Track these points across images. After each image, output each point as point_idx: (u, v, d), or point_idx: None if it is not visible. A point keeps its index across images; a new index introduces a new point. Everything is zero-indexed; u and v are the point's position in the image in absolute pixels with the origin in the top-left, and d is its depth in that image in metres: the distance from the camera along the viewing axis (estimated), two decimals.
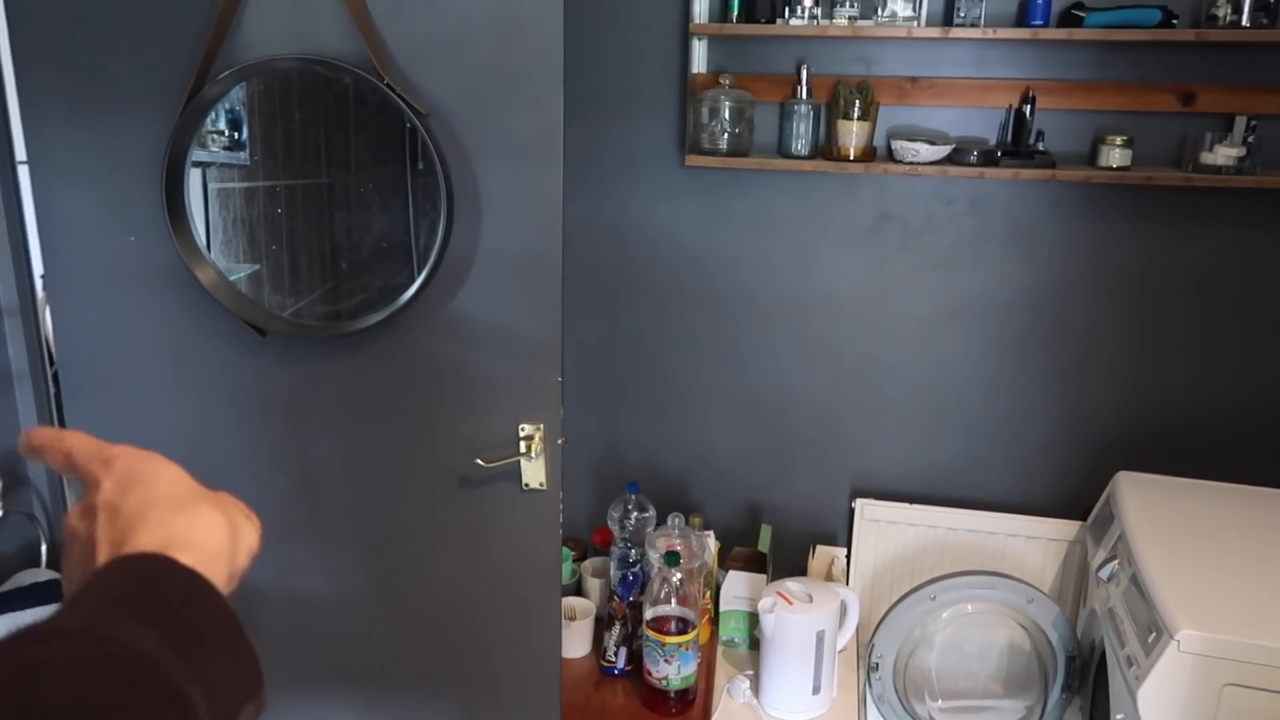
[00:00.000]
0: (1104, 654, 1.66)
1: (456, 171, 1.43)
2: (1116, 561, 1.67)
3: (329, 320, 1.54)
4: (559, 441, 1.55)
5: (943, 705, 1.93)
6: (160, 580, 0.41)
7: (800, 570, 2.15)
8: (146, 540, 0.44)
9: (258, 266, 1.64)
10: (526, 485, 1.56)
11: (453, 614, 1.66)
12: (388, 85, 1.36)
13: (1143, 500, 1.78)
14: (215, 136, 1.67)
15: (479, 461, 1.51)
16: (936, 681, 1.94)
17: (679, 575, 1.80)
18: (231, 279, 1.56)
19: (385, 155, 1.55)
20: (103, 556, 0.44)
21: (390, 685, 1.70)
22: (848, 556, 2.14)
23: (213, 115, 1.58)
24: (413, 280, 1.46)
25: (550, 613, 1.63)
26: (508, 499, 1.57)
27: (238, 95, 1.54)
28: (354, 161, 1.61)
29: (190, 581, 0.42)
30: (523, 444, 1.54)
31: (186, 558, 0.43)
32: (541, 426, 1.54)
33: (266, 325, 1.48)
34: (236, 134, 1.68)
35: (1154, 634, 1.41)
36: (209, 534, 0.46)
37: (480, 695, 1.69)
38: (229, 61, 1.41)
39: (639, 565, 1.98)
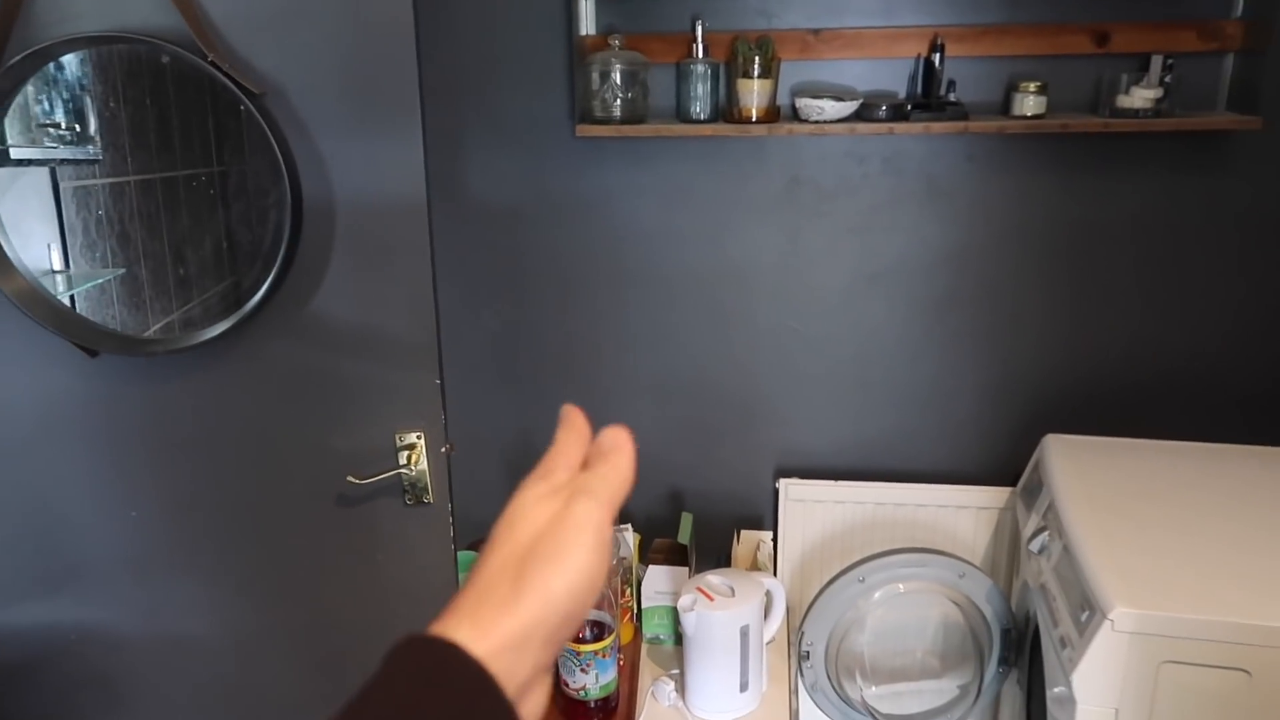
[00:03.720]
0: (1039, 625, 1.59)
1: (303, 156, 1.27)
2: (1047, 533, 1.59)
3: (170, 333, 1.37)
4: (443, 449, 1.41)
5: (878, 690, 1.85)
6: (447, 681, 0.38)
7: (726, 557, 2.05)
8: (519, 604, 0.40)
9: (109, 276, 1.47)
10: (411, 500, 1.42)
11: (349, 641, 1.52)
12: (212, 63, 1.20)
13: (1072, 464, 1.70)
14: (50, 130, 1.49)
15: (351, 479, 1.37)
16: (870, 665, 1.86)
17: None
18: (76, 290, 1.39)
19: (230, 143, 1.39)
20: (508, 578, 0.41)
21: None
22: (774, 540, 2.04)
23: (45, 105, 1.41)
24: (263, 282, 1.30)
25: None
26: (393, 516, 1.44)
27: (75, 81, 1.36)
28: (198, 151, 1.44)
29: (477, 681, 0.38)
30: (403, 455, 1.40)
31: (490, 646, 0.39)
32: (422, 435, 1.40)
33: (95, 344, 1.31)
34: (78, 126, 1.51)
35: (1087, 613, 1.33)
36: (542, 619, 0.40)
37: None
38: (26, 43, 1.23)
39: None
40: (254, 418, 1.39)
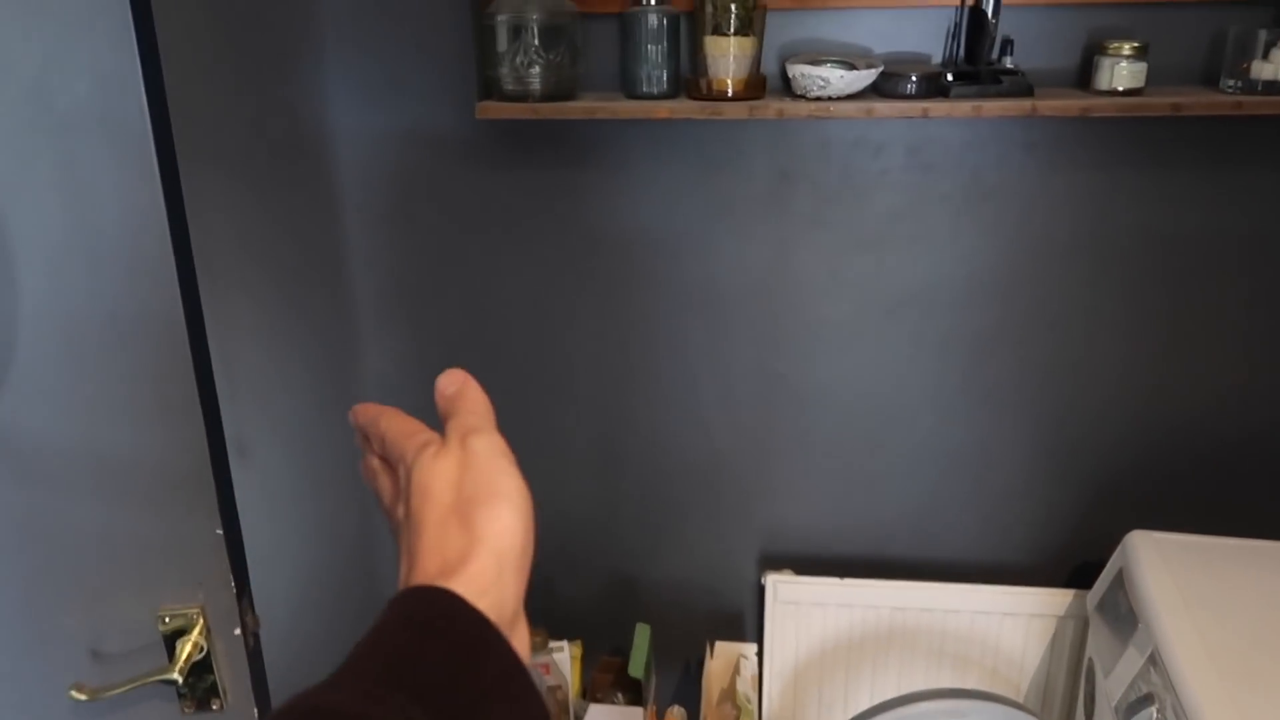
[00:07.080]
0: None
1: None
2: (1156, 708, 1.09)
3: None
4: (236, 630, 0.89)
5: None
6: (443, 631, 0.38)
7: (696, 668, 1.55)
8: (481, 545, 0.41)
9: None
10: (191, 707, 0.91)
11: None
12: None
13: (1178, 584, 1.21)
14: None
15: (74, 693, 0.85)
16: None
17: None
18: None
19: None
20: (403, 566, 0.42)
21: None
22: (759, 654, 1.54)
23: None
24: None
25: None
26: None
27: None
28: None
29: (476, 625, 0.39)
30: (171, 643, 0.87)
31: (473, 589, 0.39)
32: (200, 611, 0.88)
33: None
34: None
35: None
36: (504, 552, 0.41)
37: None
38: None
39: None
40: None
